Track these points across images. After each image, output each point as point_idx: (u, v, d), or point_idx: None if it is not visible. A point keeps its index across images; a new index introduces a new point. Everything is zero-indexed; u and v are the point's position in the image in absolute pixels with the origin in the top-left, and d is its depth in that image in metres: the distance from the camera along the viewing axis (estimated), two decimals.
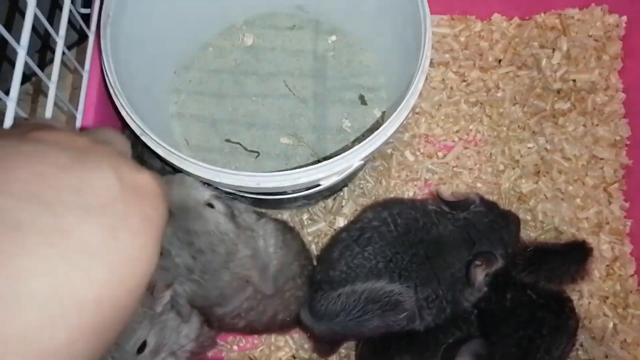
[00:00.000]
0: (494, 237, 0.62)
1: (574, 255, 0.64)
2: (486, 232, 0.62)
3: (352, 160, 0.52)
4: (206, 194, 0.54)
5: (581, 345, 0.70)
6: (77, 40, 0.82)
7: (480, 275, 0.60)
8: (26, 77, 0.78)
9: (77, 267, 0.21)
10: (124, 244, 0.23)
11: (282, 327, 0.65)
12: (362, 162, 0.53)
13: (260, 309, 0.59)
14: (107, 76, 0.53)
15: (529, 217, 0.75)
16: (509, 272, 0.63)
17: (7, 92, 0.43)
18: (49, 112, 0.50)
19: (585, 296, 0.72)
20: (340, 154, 0.52)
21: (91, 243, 0.22)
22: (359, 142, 0.71)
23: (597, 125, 0.78)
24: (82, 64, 0.60)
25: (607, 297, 0.72)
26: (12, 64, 0.77)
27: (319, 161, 0.72)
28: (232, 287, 0.54)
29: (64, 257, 0.21)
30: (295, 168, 0.52)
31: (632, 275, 0.73)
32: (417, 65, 0.56)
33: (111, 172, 0.25)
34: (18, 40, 0.45)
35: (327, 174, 0.52)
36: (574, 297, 0.72)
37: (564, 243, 0.67)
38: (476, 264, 0.59)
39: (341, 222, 0.73)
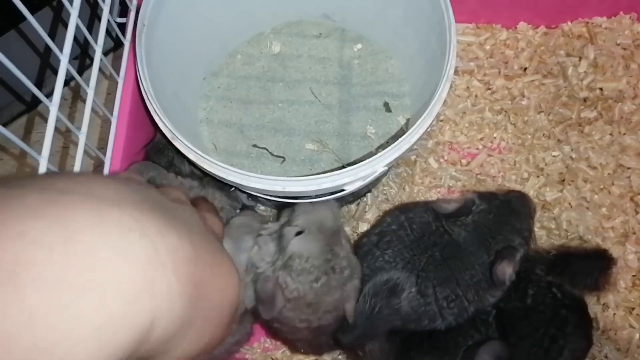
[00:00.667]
0: (505, 230, 0.63)
1: (597, 263, 0.63)
2: (497, 227, 0.63)
3: (376, 166, 0.53)
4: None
5: (606, 357, 0.69)
6: (113, 47, 0.86)
7: (508, 270, 0.60)
8: (65, 82, 0.82)
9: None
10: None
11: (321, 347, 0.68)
12: (386, 168, 0.54)
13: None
14: (142, 82, 0.56)
15: (553, 226, 0.74)
16: (532, 269, 0.64)
17: (47, 95, 0.45)
18: (86, 116, 0.52)
19: (611, 307, 0.71)
20: (364, 160, 0.53)
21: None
22: (383, 149, 0.72)
23: (624, 134, 0.77)
24: (117, 70, 0.62)
25: (633, 308, 0.71)
26: (52, 69, 0.82)
27: (343, 167, 0.73)
28: (331, 305, 0.59)
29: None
30: (320, 173, 0.53)
31: None
32: (441, 73, 0.57)
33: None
34: (60, 49, 0.48)
35: (351, 179, 0.53)
36: (599, 308, 0.71)
37: (587, 250, 0.66)
38: (500, 264, 0.60)
39: (364, 228, 0.74)
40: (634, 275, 0.73)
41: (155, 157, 0.66)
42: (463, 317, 0.62)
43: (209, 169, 0.54)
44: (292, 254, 0.58)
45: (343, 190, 0.56)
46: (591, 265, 0.63)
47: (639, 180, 0.75)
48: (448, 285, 0.61)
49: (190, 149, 0.54)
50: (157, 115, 0.55)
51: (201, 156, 0.54)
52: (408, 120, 0.77)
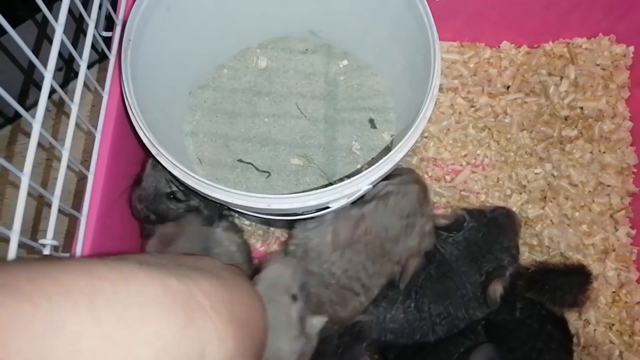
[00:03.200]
0: (495, 249, 0.64)
1: (575, 279, 0.64)
2: (486, 246, 0.64)
3: (360, 184, 0.53)
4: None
5: None
6: (98, 59, 0.85)
7: (499, 288, 0.61)
8: (49, 94, 0.81)
9: None
10: None
11: None
12: (370, 186, 0.54)
13: None
14: (127, 98, 0.56)
15: (535, 242, 0.76)
16: (517, 284, 0.65)
17: (28, 108, 0.45)
18: (70, 132, 0.52)
19: (592, 323, 0.72)
20: (349, 175, 0.54)
21: None
22: (368, 165, 0.73)
23: (604, 152, 0.79)
24: (102, 82, 0.62)
25: (613, 324, 0.72)
26: (35, 84, 0.81)
27: (329, 182, 0.73)
28: (398, 255, 0.61)
29: None
30: (305, 191, 0.53)
31: (638, 303, 0.73)
32: (426, 90, 0.58)
33: None
34: (45, 62, 0.47)
35: (336, 197, 0.53)
36: (580, 324, 0.72)
37: (565, 265, 0.67)
38: (492, 285, 0.61)
39: None
40: (614, 292, 0.74)
41: (154, 205, 0.65)
42: (452, 332, 0.64)
43: (193, 186, 0.53)
44: (389, 192, 0.61)
45: (329, 207, 0.56)
46: (570, 281, 0.64)
47: (619, 197, 0.77)
48: (442, 303, 0.62)
49: (175, 165, 0.54)
50: (142, 131, 0.55)
51: (186, 173, 0.53)
52: (393, 137, 0.77)
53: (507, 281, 0.62)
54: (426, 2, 0.61)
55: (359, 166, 0.75)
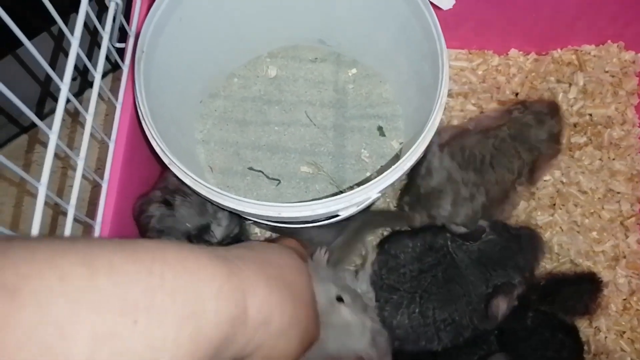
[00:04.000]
0: (509, 265, 0.63)
1: (585, 287, 0.64)
2: (500, 260, 0.63)
3: (370, 192, 0.54)
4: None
5: None
6: (112, 68, 0.87)
7: (503, 306, 0.60)
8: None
9: None
10: None
11: None
12: (379, 194, 0.55)
13: None
14: (140, 108, 0.57)
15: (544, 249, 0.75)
16: (528, 295, 0.64)
17: (44, 116, 0.46)
18: (85, 143, 0.53)
19: (603, 331, 0.72)
20: (359, 183, 0.54)
21: None
22: (377, 172, 0.73)
23: (613, 159, 0.79)
24: (116, 92, 0.63)
25: (624, 332, 0.72)
26: (51, 95, 0.82)
27: (338, 190, 0.74)
28: None
29: None
30: (316, 199, 0.54)
31: None
32: (433, 98, 0.58)
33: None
34: (60, 74, 0.49)
35: (345, 205, 0.54)
36: (590, 331, 0.72)
37: (575, 274, 0.68)
38: (496, 299, 0.60)
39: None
40: (624, 299, 0.74)
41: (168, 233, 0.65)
42: (458, 341, 0.63)
43: (205, 194, 0.54)
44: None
45: (338, 215, 0.57)
46: (580, 290, 0.64)
47: (629, 204, 0.77)
48: (447, 309, 0.62)
49: (187, 174, 0.55)
50: (155, 141, 0.56)
51: (197, 181, 0.54)
52: (402, 144, 0.78)
53: (513, 301, 0.61)
54: (433, 11, 0.62)
55: (368, 174, 0.76)
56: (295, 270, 0.40)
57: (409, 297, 0.63)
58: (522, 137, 0.68)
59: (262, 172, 0.76)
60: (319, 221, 0.60)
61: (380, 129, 0.79)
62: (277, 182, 0.76)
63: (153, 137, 0.56)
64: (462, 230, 0.65)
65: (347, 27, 0.77)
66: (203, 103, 0.80)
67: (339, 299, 0.57)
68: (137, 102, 0.58)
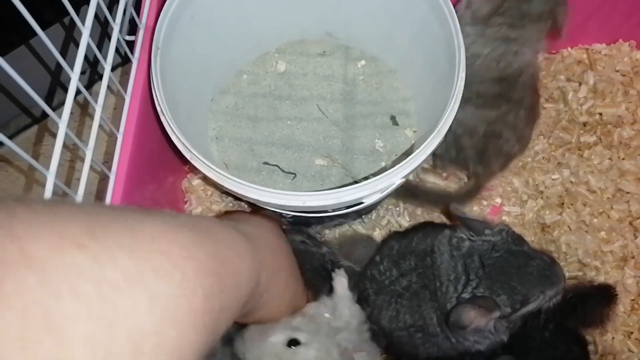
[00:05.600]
0: (499, 279, 0.54)
1: (604, 300, 0.64)
2: (492, 269, 0.54)
3: (393, 178, 0.54)
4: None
5: None
6: (121, 62, 0.87)
7: (468, 318, 0.51)
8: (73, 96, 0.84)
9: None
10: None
11: None
12: (403, 179, 0.55)
13: None
14: (159, 105, 0.57)
15: (552, 248, 0.75)
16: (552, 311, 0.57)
17: (54, 109, 0.47)
18: (93, 133, 0.53)
19: (610, 331, 0.71)
20: (373, 173, 0.54)
21: None
22: (392, 162, 0.74)
23: (623, 159, 0.78)
24: (125, 85, 0.63)
25: (631, 333, 0.72)
26: (61, 85, 0.83)
27: (354, 181, 0.74)
28: None
29: None
30: (331, 188, 0.54)
31: None
32: (449, 86, 0.59)
33: None
34: (71, 66, 0.49)
35: (370, 192, 0.54)
36: (597, 332, 0.71)
37: (594, 287, 0.67)
38: (467, 307, 0.52)
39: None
40: (632, 300, 0.73)
41: None
42: (441, 353, 0.60)
43: (229, 187, 0.55)
44: None
45: (361, 203, 0.57)
46: (601, 303, 0.64)
47: (638, 205, 0.76)
48: (414, 315, 0.59)
49: (212, 168, 0.55)
50: (176, 136, 0.57)
51: (222, 175, 0.55)
52: (415, 132, 0.78)
53: (487, 322, 0.53)
54: (451, 5, 0.62)
55: (383, 164, 0.76)
56: (284, 243, 0.53)
57: (387, 300, 0.61)
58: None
59: (278, 167, 0.76)
60: (338, 210, 0.60)
61: (393, 118, 0.79)
62: (293, 176, 0.76)
63: (174, 132, 0.56)
64: (470, 216, 0.59)
65: (357, 20, 0.77)
66: (214, 100, 0.81)
67: (293, 343, 0.55)
68: (155, 98, 0.58)
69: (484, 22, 0.69)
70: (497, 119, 0.69)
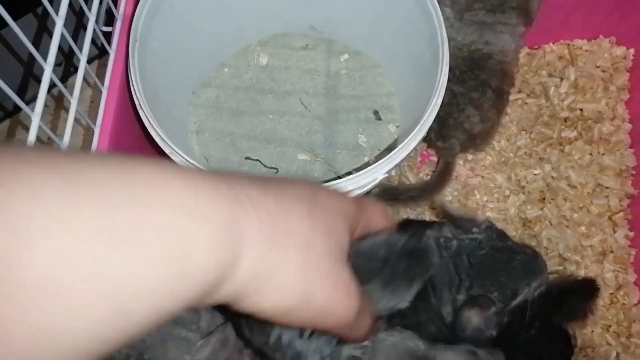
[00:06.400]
0: (488, 276, 0.54)
1: (586, 294, 0.64)
2: (480, 267, 0.54)
3: (376, 174, 0.54)
4: None
5: None
6: (98, 54, 0.85)
7: (475, 320, 0.52)
8: (48, 89, 0.81)
9: None
10: None
11: None
12: (386, 175, 0.55)
13: None
14: (137, 99, 0.56)
15: (534, 243, 0.75)
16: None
17: (27, 102, 0.45)
18: (69, 127, 0.52)
19: (589, 324, 0.72)
20: (357, 168, 0.54)
21: None
22: (375, 157, 0.73)
23: (603, 154, 0.79)
24: (102, 78, 0.62)
25: (610, 326, 0.73)
26: (35, 77, 0.80)
27: (337, 176, 0.74)
28: None
29: None
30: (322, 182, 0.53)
31: (635, 305, 0.73)
32: (432, 80, 0.59)
33: None
34: (44, 57, 0.47)
35: (353, 187, 0.54)
36: (577, 325, 0.72)
37: (579, 281, 0.67)
38: (470, 311, 0.52)
39: None
40: (611, 293, 0.74)
41: None
42: None
43: None
44: None
45: None
46: (585, 298, 0.64)
47: (617, 199, 0.77)
48: (403, 321, 0.55)
49: (192, 163, 0.54)
50: (155, 130, 0.55)
51: (202, 170, 0.53)
52: (398, 127, 0.78)
53: (487, 321, 0.53)
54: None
55: (366, 159, 0.76)
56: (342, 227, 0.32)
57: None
58: None
59: (260, 161, 0.75)
60: None
61: (376, 113, 0.78)
62: (275, 171, 0.75)
63: (152, 126, 0.55)
64: (457, 214, 0.58)
65: (341, 14, 0.77)
66: (195, 94, 0.79)
67: None
68: (133, 92, 0.57)
69: (464, 8, 0.70)
70: (461, 93, 0.71)
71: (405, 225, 0.68)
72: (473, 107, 0.71)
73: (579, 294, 0.63)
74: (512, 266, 0.55)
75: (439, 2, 0.62)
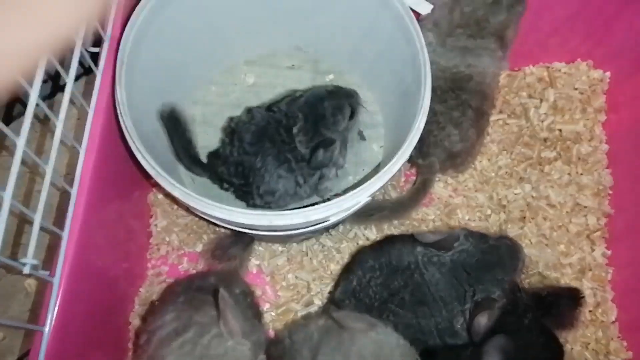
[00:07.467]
0: (487, 279, 0.61)
1: (572, 301, 0.66)
2: (478, 274, 0.61)
3: (359, 197, 0.55)
4: None
5: None
6: (84, 72, 0.85)
7: (483, 322, 0.58)
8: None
9: None
10: None
11: None
12: (369, 198, 0.56)
13: None
14: (124, 122, 0.56)
15: None
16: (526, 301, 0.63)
17: (14, 117, 0.45)
18: (54, 150, 0.52)
19: (569, 342, 0.74)
20: (340, 188, 0.54)
21: None
22: (360, 177, 0.74)
23: (581, 174, 0.81)
24: (88, 95, 0.62)
25: (589, 343, 0.74)
26: (20, 100, 0.80)
27: (322, 200, 0.74)
28: None
29: None
30: (304, 206, 0.54)
31: (613, 322, 0.75)
32: (415, 101, 0.60)
33: None
34: (30, 81, 0.48)
35: (337, 210, 0.54)
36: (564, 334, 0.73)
37: (564, 288, 0.70)
38: (479, 316, 0.58)
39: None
40: (590, 311, 0.76)
41: None
42: None
43: (195, 206, 0.54)
44: None
45: (328, 220, 0.57)
46: (569, 304, 0.66)
47: (595, 218, 0.79)
48: (408, 331, 0.60)
49: (176, 186, 0.54)
50: (140, 154, 0.56)
51: (188, 194, 0.54)
52: (382, 147, 0.79)
53: (495, 315, 0.59)
54: (416, 22, 0.63)
55: (350, 178, 0.77)
56: None
57: (379, 317, 0.61)
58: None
59: None
60: (306, 227, 0.59)
61: (360, 133, 0.79)
62: None
63: (138, 149, 0.55)
64: (434, 238, 0.63)
65: (326, 35, 0.78)
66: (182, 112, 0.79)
67: None
68: (119, 115, 0.57)
69: (446, 32, 0.72)
70: (442, 112, 0.72)
71: (391, 240, 0.69)
72: (453, 126, 0.73)
73: (566, 300, 0.66)
74: (502, 261, 0.62)
75: (421, 27, 0.64)
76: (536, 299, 0.66)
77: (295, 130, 0.65)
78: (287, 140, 0.66)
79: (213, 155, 0.71)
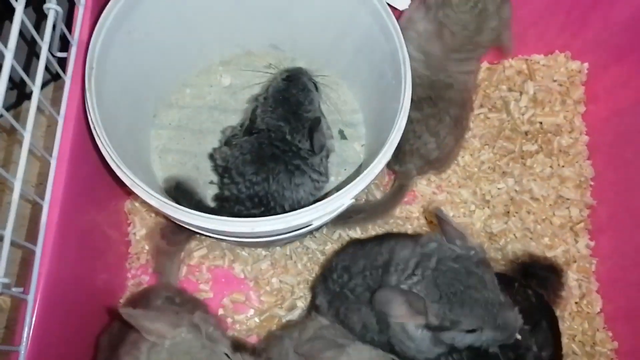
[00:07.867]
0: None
1: (553, 270, 0.71)
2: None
3: (343, 199, 0.54)
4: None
5: None
6: (52, 77, 0.82)
7: (519, 318, 0.53)
8: None
9: None
10: None
11: None
12: (352, 200, 0.54)
13: None
14: (95, 129, 0.55)
15: (499, 256, 0.77)
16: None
17: None
18: (22, 163, 0.50)
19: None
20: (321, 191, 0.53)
21: None
22: (342, 177, 0.72)
23: (563, 166, 0.81)
24: (57, 101, 0.59)
25: (575, 335, 0.74)
26: None
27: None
28: None
29: None
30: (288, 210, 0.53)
31: (598, 313, 0.76)
32: (397, 103, 0.59)
33: None
34: None
35: (320, 214, 0.53)
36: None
37: (541, 257, 0.74)
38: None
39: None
40: (576, 302, 0.76)
41: None
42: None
43: (173, 215, 0.52)
44: None
45: (311, 224, 0.56)
46: (551, 271, 0.71)
47: (578, 210, 0.79)
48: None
49: (152, 195, 0.52)
50: (115, 163, 0.54)
51: (165, 203, 0.52)
52: (363, 146, 0.78)
53: (412, 322, 0.54)
54: (394, 17, 0.62)
55: (332, 178, 0.75)
56: None
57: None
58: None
59: None
60: (289, 232, 0.58)
61: (341, 132, 0.78)
62: None
63: (113, 159, 0.53)
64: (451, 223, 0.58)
65: (303, 32, 0.77)
66: (157, 116, 0.77)
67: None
68: (91, 122, 0.55)
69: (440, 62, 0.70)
70: (419, 120, 0.71)
71: (387, 237, 0.68)
72: (430, 134, 0.72)
73: (548, 269, 0.71)
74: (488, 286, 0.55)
75: (410, 59, 0.62)
76: (522, 266, 0.71)
77: (289, 137, 0.65)
78: (287, 148, 0.65)
79: (221, 200, 0.69)
